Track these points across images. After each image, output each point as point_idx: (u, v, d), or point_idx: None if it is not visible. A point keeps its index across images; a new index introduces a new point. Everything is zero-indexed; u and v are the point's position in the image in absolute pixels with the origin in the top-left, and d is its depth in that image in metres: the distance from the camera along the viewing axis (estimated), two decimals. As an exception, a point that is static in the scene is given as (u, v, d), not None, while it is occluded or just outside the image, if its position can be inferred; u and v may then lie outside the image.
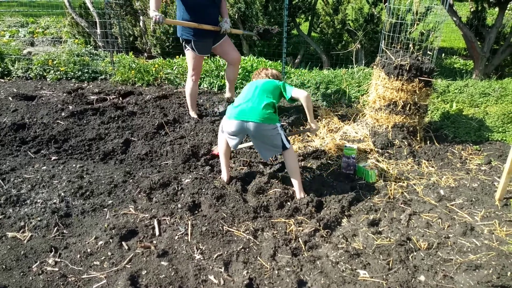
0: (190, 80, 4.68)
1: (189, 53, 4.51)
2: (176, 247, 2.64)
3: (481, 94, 5.48)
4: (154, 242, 2.69)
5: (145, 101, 5.19)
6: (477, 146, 4.28)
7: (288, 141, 3.37)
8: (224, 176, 3.48)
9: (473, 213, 3.14)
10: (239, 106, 3.28)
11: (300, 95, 3.43)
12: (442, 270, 2.52)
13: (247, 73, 6.05)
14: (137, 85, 5.98)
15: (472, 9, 7.18)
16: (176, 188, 3.28)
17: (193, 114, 4.87)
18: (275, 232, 2.86)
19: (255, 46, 7.19)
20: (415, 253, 2.67)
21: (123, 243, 2.66)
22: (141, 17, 7.64)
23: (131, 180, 3.40)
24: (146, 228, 2.82)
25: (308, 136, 4.45)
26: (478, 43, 6.82)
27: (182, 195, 3.21)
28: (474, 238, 2.83)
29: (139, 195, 3.20)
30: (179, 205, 3.05)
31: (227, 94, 5.19)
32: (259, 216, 3.03)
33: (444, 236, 2.84)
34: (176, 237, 2.73)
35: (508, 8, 6.93)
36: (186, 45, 4.48)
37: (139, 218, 2.92)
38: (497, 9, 6.79)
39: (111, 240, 2.65)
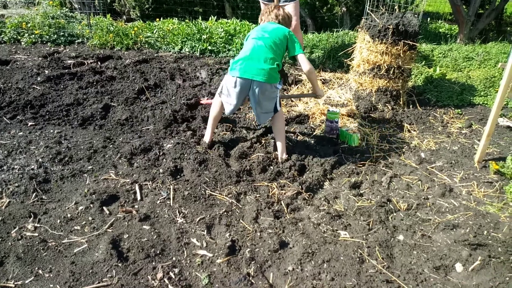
0: None
1: None
2: (158, 211, 2.62)
3: (465, 58, 5.49)
4: (136, 206, 2.67)
5: (125, 66, 5.04)
6: (459, 110, 4.31)
7: (280, 103, 3.26)
8: (207, 138, 3.42)
9: (452, 175, 3.19)
10: (243, 62, 3.03)
11: (304, 67, 3.22)
12: (421, 229, 2.57)
13: (229, 37, 5.90)
14: (116, 49, 5.79)
15: (459, -29, 7.06)
16: (158, 153, 3.23)
17: None
18: (257, 195, 2.86)
19: (238, 9, 6.99)
20: (394, 214, 2.72)
21: (104, 208, 2.63)
22: (118, -22, 7.31)
23: (111, 146, 3.33)
24: (128, 193, 2.79)
25: (301, 101, 4.42)
26: (464, 7, 6.76)
27: (164, 160, 3.17)
28: (452, 199, 2.89)
29: (120, 161, 3.14)
30: (161, 170, 3.02)
31: None
32: (242, 180, 3.02)
33: (423, 197, 2.89)
34: (158, 202, 2.71)
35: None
36: None
37: (120, 183, 2.88)
38: (483, -29, 6.70)
39: (91, 205, 2.62)
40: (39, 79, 4.47)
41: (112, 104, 4.07)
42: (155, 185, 2.87)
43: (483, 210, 2.75)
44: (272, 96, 3.13)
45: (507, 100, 4.38)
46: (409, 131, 3.87)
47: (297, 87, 4.63)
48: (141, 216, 2.54)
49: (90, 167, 3.04)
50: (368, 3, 4.30)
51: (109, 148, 3.29)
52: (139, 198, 2.75)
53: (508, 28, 7.61)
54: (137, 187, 2.83)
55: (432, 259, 2.34)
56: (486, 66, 5.25)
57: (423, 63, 5.37)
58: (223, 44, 5.79)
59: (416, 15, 4.22)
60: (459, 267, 2.29)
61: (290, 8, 4.76)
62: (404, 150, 3.52)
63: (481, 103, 4.47)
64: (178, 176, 3.00)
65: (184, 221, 2.55)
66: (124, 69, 4.94)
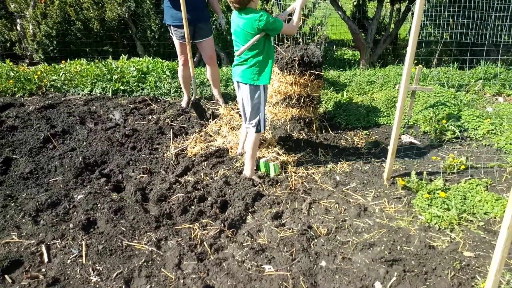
0: (180, 65, 4.98)
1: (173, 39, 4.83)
2: (69, 272, 2.41)
3: (368, 82, 5.93)
4: (43, 270, 2.43)
5: (28, 113, 4.69)
6: (367, 131, 4.61)
7: (265, 122, 3.36)
8: None
9: (365, 194, 3.36)
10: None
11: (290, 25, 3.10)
12: (341, 252, 2.65)
13: (142, 75, 5.79)
14: (17, 96, 5.39)
15: (354, 3, 7.73)
16: (68, 207, 3.00)
17: (184, 97, 5.27)
18: (179, 239, 2.77)
19: (150, 47, 6.93)
20: (316, 240, 2.78)
21: (5, 276, 2.36)
22: (18, 20, 6.90)
23: (13, 204, 3.03)
24: (33, 255, 2.53)
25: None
26: (362, 34, 7.37)
27: (75, 213, 2.95)
28: (367, 218, 3.03)
29: (23, 220, 2.86)
30: (71, 225, 2.80)
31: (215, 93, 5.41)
32: (161, 225, 2.90)
33: (341, 220, 3.00)
34: (69, 261, 2.49)
35: (385, 0, 7.57)
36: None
37: (24, 245, 2.62)
38: (376, 1, 7.39)
39: (-11, 276, 2.33)
40: None
41: (14, 156, 3.74)
42: (65, 242, 2.65)
43: (395, 226, 2.92)
44: (249, 98, 3.20)
45: (406, 118, 4.78)
46: (323, 155, 4.04)
47: (215, 121, 4.64)
48: (49, 280, 2.32)
49: (-13, 231, 2.72)
50: (274, 37, 4.49)
51: (11, 207, 2.99)
52: (46, 260, 2.51)
53: (403, 51, 8.42)
54: (44, 247, 2.59)
55: (353, 281, 2.41)
56: (387, 88, 5.72)
57: (332, 89, 5.70)
58: (136, 83, 5.66)
59: (318, 46, 4.50)
60: (378, 285, 2.38)
61: (205, 44, 4.83)
62: (320, 174, 3.66)
63: (385, 122, 4.82)
64: (91, 229, 2.81)
65: (99, 279, 2.37)
66: (27, 117, 4.60)
